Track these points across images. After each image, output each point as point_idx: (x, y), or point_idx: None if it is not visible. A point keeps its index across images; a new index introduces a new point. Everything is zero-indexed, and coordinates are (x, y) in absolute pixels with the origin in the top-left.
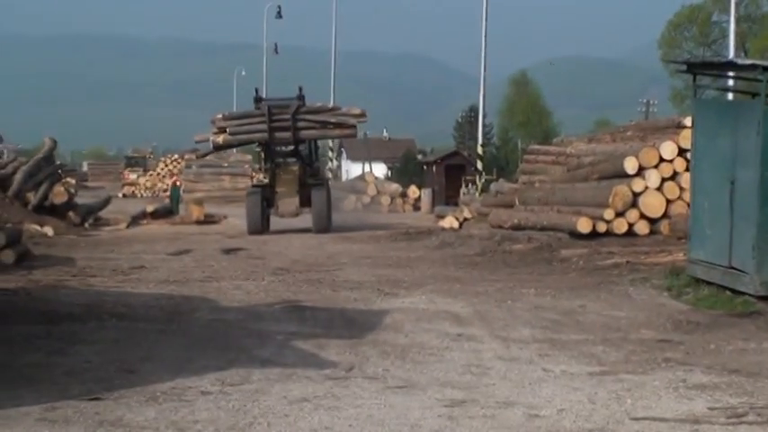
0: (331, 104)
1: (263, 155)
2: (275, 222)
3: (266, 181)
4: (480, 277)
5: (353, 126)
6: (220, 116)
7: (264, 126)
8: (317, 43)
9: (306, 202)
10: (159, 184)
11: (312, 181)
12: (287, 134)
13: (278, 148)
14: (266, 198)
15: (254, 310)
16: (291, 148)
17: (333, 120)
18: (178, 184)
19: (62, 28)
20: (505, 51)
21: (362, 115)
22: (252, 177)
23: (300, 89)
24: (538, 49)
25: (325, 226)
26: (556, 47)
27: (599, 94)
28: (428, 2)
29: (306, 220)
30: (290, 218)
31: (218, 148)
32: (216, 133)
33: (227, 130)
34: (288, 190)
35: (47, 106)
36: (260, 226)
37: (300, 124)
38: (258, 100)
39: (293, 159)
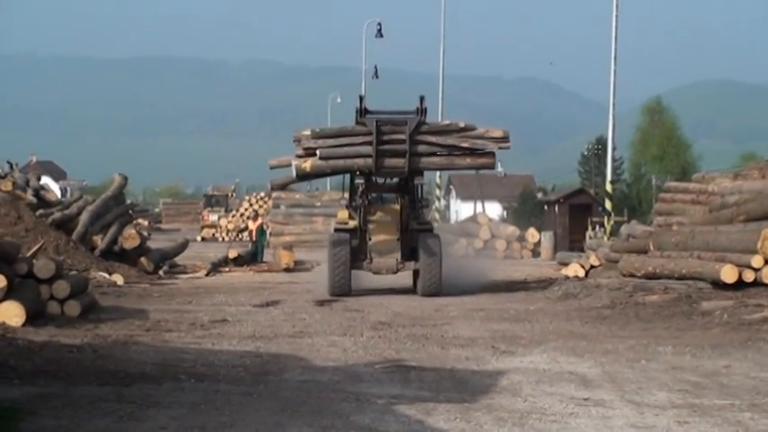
0: (462, 123)
1: (360, 187)
2: (358, 279)
3: (354, 223)
4: (609, 333)
5: (491, 154)
6: (308, 133)
7: (370, 149)
8: (422, 67)
9: (409, 254)
10: (243, 226)
11: (417, 226)
12: (400, 162)
13: (377, 180)
14: (354, 247)
15: (351, 371)
16: (396, 180)
17: (464, 144)
18: (265, 227)
19: (134, 50)
20: (638, 75)
21: (505, 139)
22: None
23: (422, 100)
24: (675, 73)
25: (436, 288)
26: (695, 70)
27: (745, 124)
28: (548, 22)
29: (403, 277)
30: (388, 275)
31: (303, 176)
32: (301, 156)
33: (318, 152)
34: (386, 238)
35: (116, 138)
36: (348, 285)
37: (420, 148)
38: (363, 112)
39: (392, 195)
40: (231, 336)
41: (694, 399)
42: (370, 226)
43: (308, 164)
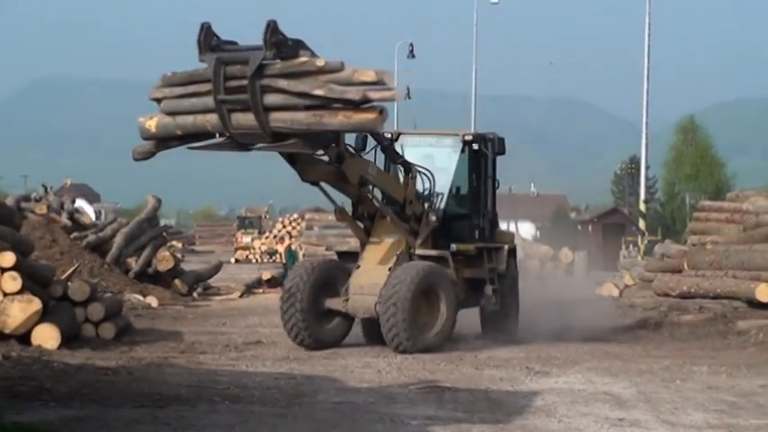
0: (322, 61)
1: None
2: None
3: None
4: (644, 353)
5: (376, 110)
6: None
7: (211, 100)
8: (455, 87)
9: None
10: (278, 247)
11: (424, 251)
12: (249, 118)
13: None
14: (331, 278)
15: (385, 392)
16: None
17: (318, 91)
18: (293, 248)
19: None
20: (671, 94)
21: (382, 83)
22: None
23: (269, 27)
24: (708, 92)
25: (400, 341)
26: (729, 88)
27: None
28: (579, 41)
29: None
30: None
31: (149, 138)
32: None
33: (161, 104)
34: (374, 265)
35: (150, 160)
36: (306, 334)
37: (273, 99)
38: (204, 46)
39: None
40: (265, 357)
41: (730, 419)
42: (367, 247)
43: (152, 121)
